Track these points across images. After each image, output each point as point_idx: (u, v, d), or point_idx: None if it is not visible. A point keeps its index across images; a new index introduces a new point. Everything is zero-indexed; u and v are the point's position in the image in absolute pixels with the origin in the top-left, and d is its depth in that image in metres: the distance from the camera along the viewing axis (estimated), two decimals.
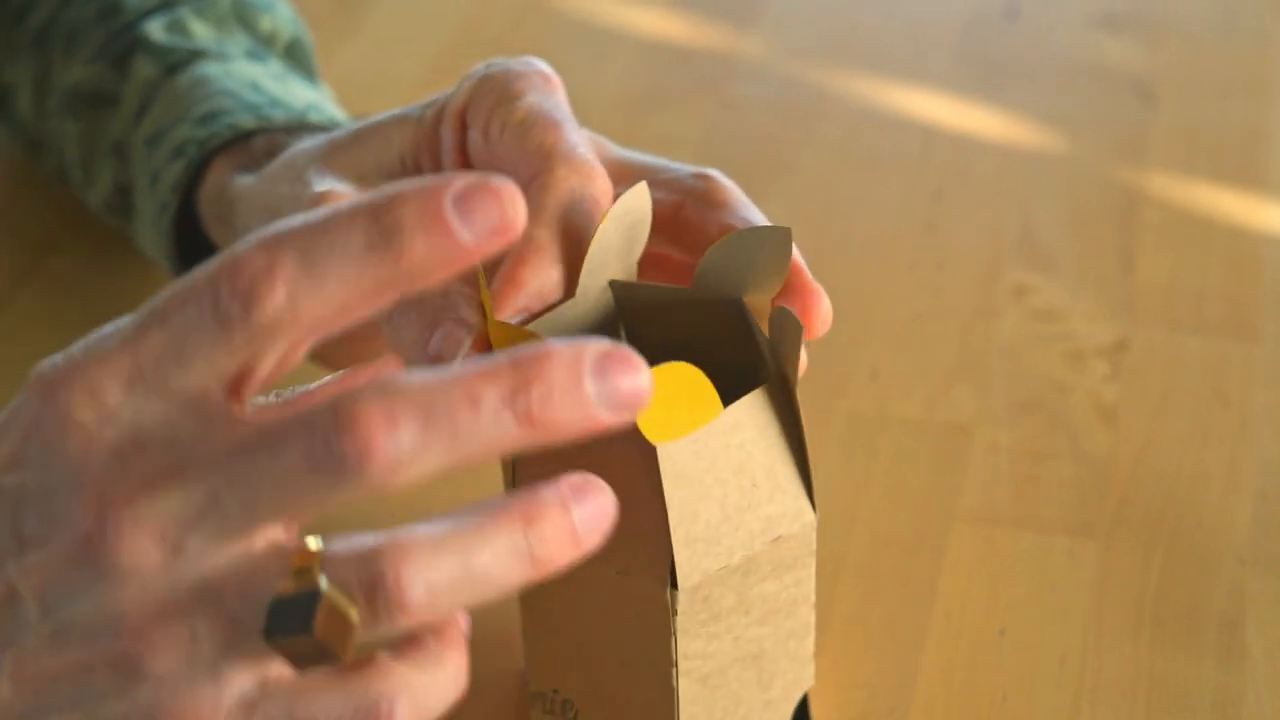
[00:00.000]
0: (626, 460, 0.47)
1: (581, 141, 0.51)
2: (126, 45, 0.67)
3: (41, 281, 0.73)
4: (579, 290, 0.49)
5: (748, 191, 0.77)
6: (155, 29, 0.67)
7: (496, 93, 0.52)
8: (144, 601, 0.38)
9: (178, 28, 0.67)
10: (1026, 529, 0.61)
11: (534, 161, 0.50)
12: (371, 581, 0.37)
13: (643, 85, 0.84)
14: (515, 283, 0.48)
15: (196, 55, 0.66)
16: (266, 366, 0.39)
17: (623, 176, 0.53)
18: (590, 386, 0.37)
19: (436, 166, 0.54)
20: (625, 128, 0.81)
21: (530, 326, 0.48)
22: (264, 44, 0.68)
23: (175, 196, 0.62)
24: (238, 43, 0.68)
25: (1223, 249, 0.74)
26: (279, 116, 0.62)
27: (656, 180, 0.53)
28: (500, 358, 0.37)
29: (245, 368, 0.39)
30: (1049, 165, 0.79)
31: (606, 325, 0.51)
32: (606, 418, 0.37)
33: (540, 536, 0.38)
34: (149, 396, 0.38)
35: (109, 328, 0.40)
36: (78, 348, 0.40)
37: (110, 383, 0.39)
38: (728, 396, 0.49)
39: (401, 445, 0.36)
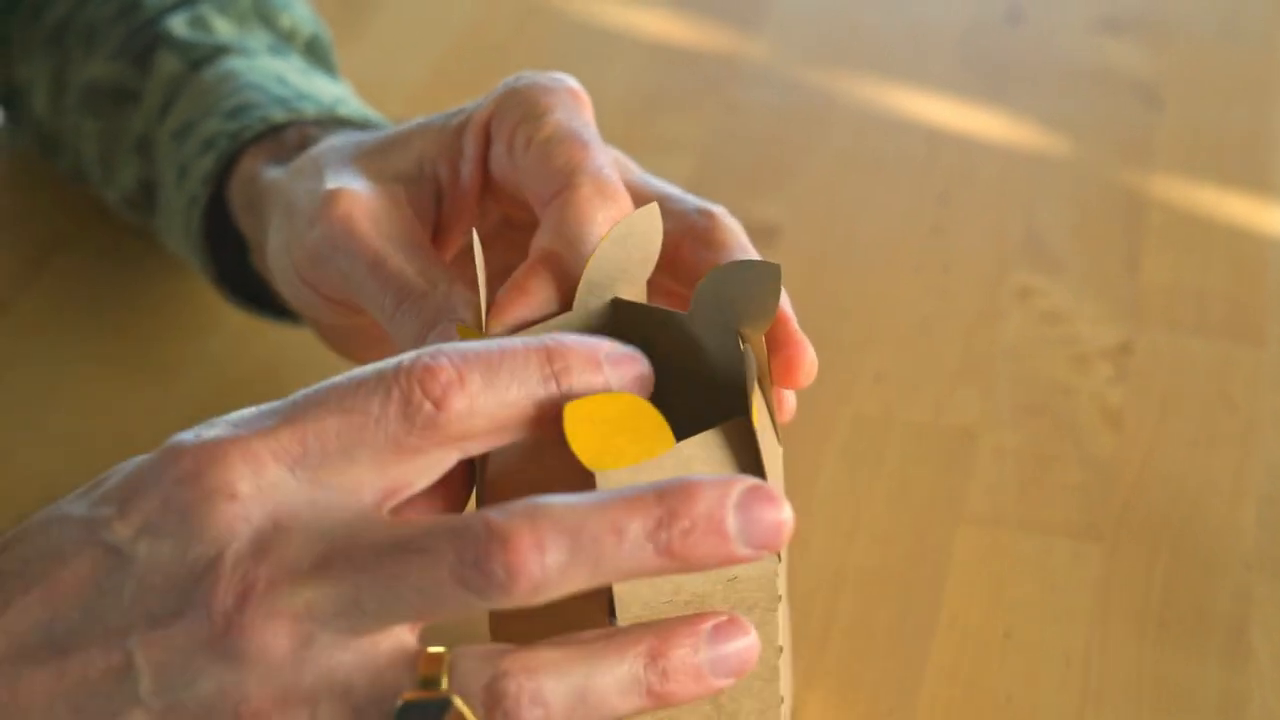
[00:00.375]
0: (570, 484, 0.45)
1: (607, 163, 0.50)
2: (148, 41, 0.67)
3: (48, 280, 0.73)
4: (575, 306, 0.48)
5: (751, 195, 0.78)
6: (177, 24, 0.67)
7: (523, 107, 0.52)
8: (266, 688, 0.38)
9: (200, 24, 0.67)
10: (1031, 531, 0.61)
11: (557, 179, 0.50)
12: (495, 695, 0.38)
13: (646, 88, 0.84)
14: (520, 291, 0.48)
15: (220, 50, 0.66)
16: (421, 482, 0.41)
17: (637, 201, 0.53)
18: (732, 523, 0.39)
19: (454, 176, 0.54)
20: (628, 131, 0.81)
21: (525, 335, 0.48)
22: (284, 40, 0.68)
23: (205, 189, 0.61)
24: (259, 39, 0.68)
25: (1227, 252, 0.74)
26: (309, 110, 0.61)
27: (663, 209, 0.52)
28: (647, 489, 0.38)
29: (402, 479, 0.40)
30: (1053, 168, 0.79)
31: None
32: (745, 554, 0.39)
33: (662, 671, 0.40)
34: (308, 481, 0.39)
35: (260, 408, 0.40)
36: (224, 423, 0.40)
37: (271, 461, 0.39)
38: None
39: (548, 569, 0.37)
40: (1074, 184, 0.78)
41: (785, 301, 0.49)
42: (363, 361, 0.59)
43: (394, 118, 0.78)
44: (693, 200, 0.53)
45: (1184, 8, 0.89)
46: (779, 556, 0.45)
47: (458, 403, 0.39)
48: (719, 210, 0.52)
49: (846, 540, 0.61)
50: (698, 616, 0.41)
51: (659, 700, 0.40)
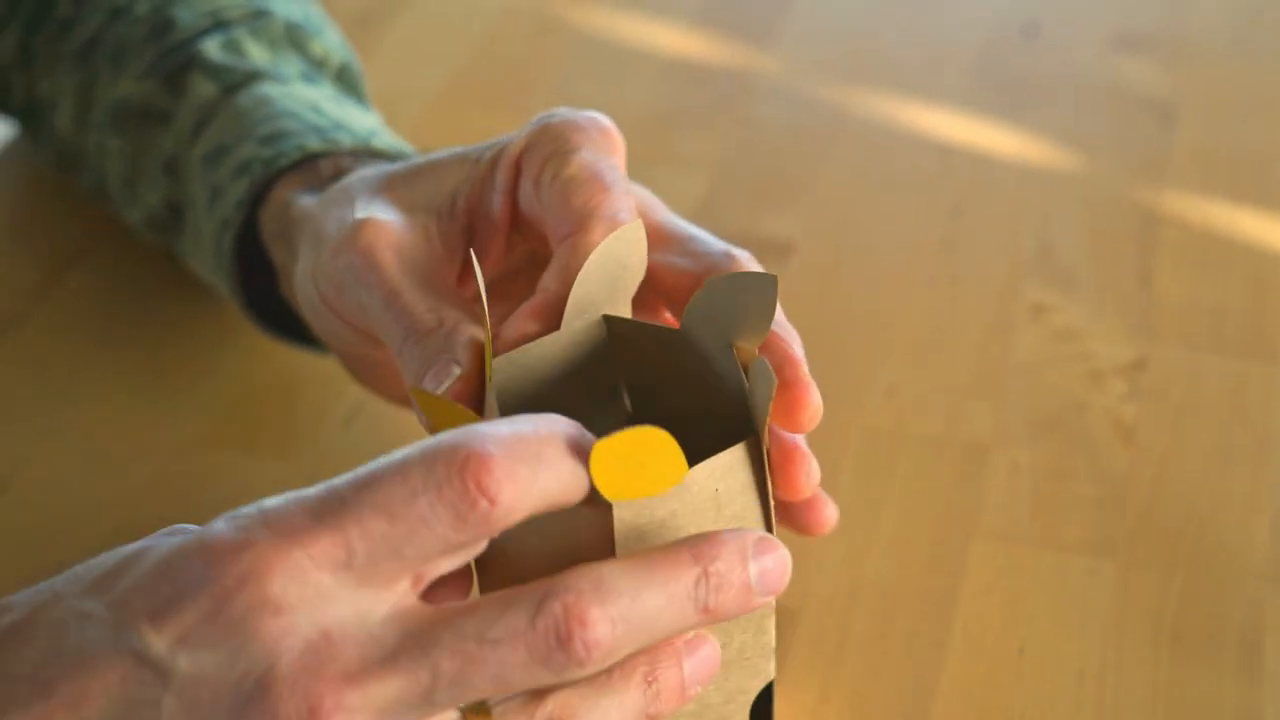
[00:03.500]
0: (589, 529, 0.45)
1: (627, 207, 0.50)
2: (181, 63, 0.67)
3: (64, 294, 0.73)
4: (562, 326, 0.48)
5: (764, 210, 0.78)
6: (212, 48, 0.67)
7: (553, 143, 0.52)
8: None
9: (234, 48, 0.67)
10: (1045, 547, 0.61)
11: (573, 219, 0.50)
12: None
13: (660, 104, 0.84)
14: (520, 333, 0.49)
15: (255, 76, 0.66)
16: (454, 566, 0.41)
17: (661, 241, 0.53)
18: (753, 575, 0.42)
19: (485, 209, 0.54)
20: (642, 146, 0.81)
21: (512, 355, 0.49)
22: (316, 67, 0.69)
23: (239, 213, 0.62)
24: (291, 65, 0.68)
25: (1242, 268, 0.74)
26: (345, 140, 0.62)
27: (686, 249, 0.52)
28: (681, 548, 0.41)
29: (438, 567, 0.40)
30: (1067, 184, 0.79)
31: (596, 360, 0.50)
32: (759, 602, 0.42)
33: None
34: (351, 584, 0.38)
35: (299, 498, 0.39)
36: (260, 520, 0.38)
37: (314, 569, 0.38)
38: (718, 441, 0.48)
39: (618, 639, 0.39)
40: (1088, 200, 0.78)
41: (797, 344, 0.49)
42: (384, 393, 0.60)
43: (409, 132, 0.78)
44: (718, 243, 0.53)
45: (1199, 24, 0.89)
46: None
47: (510, 496, 0.39)
48: (742, 254, 0.52)
49: (860, 554, 0.61)
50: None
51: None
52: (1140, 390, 0.68)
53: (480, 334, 0.49)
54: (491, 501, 0.38)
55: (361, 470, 0.39)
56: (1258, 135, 0.82)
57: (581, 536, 0.44)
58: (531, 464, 0.39)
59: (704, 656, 0.43)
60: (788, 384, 0.48)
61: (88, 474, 0.64)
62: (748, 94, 0.85)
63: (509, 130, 0.81)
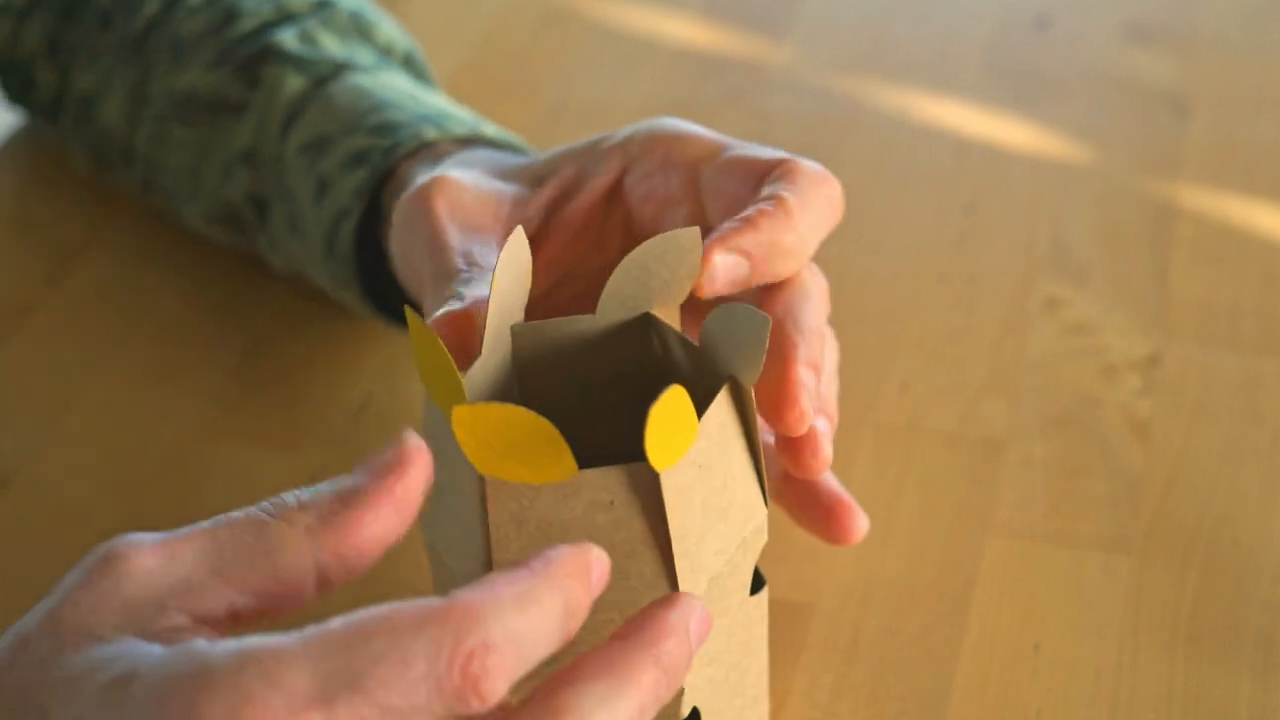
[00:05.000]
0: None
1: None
2: (254, 54, 0.67)
3: (75, 282, 0.73)
4: (486, 348, 0.48)
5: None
6: (288, 39, 0.67)
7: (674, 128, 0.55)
8: None
9: (309, 39, 0.67)
10: (1060, 544, 0.61)
11: (771, 162, 0.53)
12: None
13: (672, 95, 0.84)
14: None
15: (341, 68, 0.66)
16: None
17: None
18: (693, 639, 0.41)
19: (576, 189, 0.55)
20: None
21: (539, 324, 0.49)
22: (383, 56, 0.69)
23: (359, 201, 0.62)
24: (363, 55, 0.68)
25: (1257, 263, 0.73)
26: (458, 129, 0.62)
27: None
28: (644, 633, 0.40)
29: None
30: (1081, 178, 0.78)
31: (506, 375, 0.50)
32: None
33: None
34: None
35: (290, 651, 0.36)
36: (254, 669, 0.35)
37: None
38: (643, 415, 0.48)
39: None
40: (1101, 194, 0.77)
41: (810, 350, 0.49)
42: None
43: None
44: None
45: (1213, 17, 0.89)
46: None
47: (504, 681, 0.37)
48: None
49: (874, 550, 0.60)
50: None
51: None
52: (1155, 386, 0.67)
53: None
54: (486, 698, 0.37)
55: (360, 633, 0.36)
56: (1272, 129, 0.81)
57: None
58: (526, 641, 0.38)
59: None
60: (778, 387, 0.48)
61: (94, 465, 0.64)
62: (760, 87, 0.85)
63: (518, 121, 0.81)
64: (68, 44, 0.73)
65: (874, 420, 0.66)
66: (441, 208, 0.53)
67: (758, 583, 0.50)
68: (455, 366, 0.44)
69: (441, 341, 0.44)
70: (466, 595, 0.37)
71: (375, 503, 0.39)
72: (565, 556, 0.39)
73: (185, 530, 0.39)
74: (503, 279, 0.47)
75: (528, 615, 0.37)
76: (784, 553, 0.59)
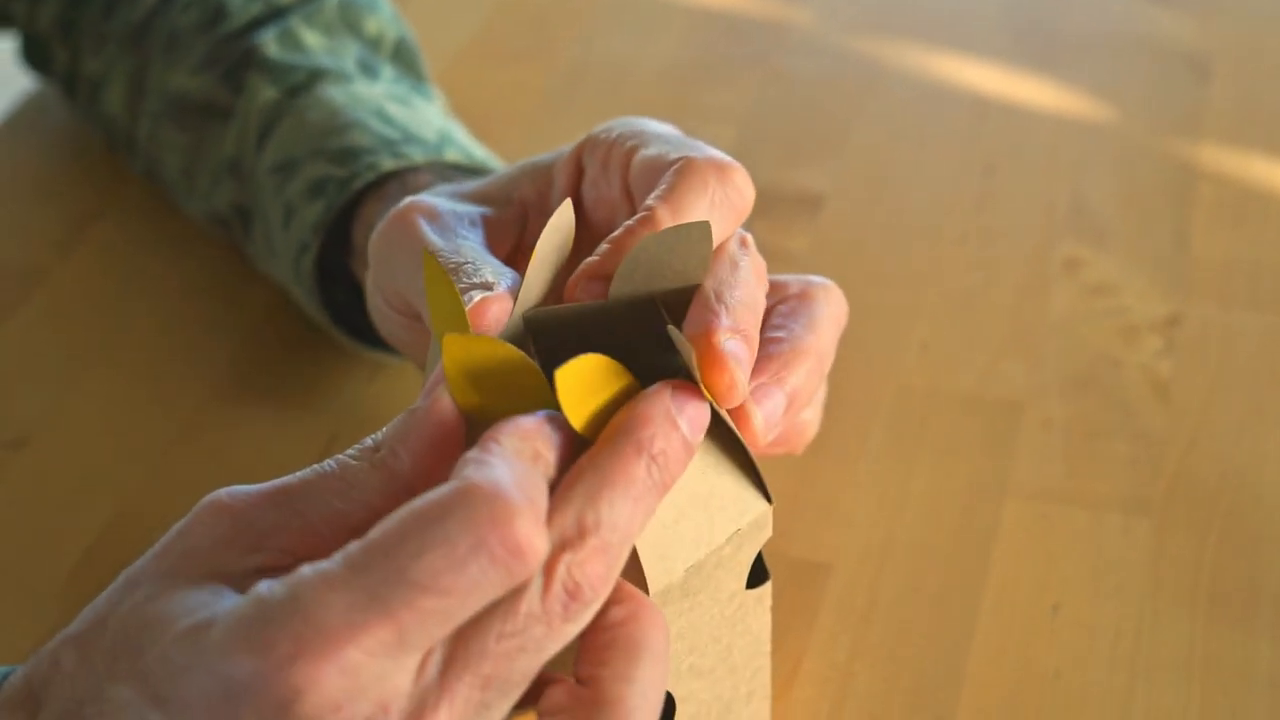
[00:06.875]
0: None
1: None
2: (238, 58, 0.67)
3: (87, 249, 0.73)
4: (511, 323, 0.47)
5: (795, 164, 0.77)
6: (269, 43, 0.67)
7: (620, 128, 0.54)
8: None
9: (290, 40, 0.67)
10: (1080, 505, 0.60)
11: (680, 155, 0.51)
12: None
13: (691, 56, 0.84)
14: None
15: (315, 75, 0.66)
16: None
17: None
18: (684, 429, 0.42)
19: (541, 203, 0.55)
20: (673, 99, 0.80)
21: (555, 308, 0.48)
22: (372, 48, 0.68)
23: (316, 237, 0.62)
24: (349, 50, 0.68)
25: (1277, 224, 0.73)
26: (417, 155, 0.62)
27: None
28: (625, 446, 0.41)
29: None
30: (1101, 139, 0.78)
31: (643, 334, 0.49)
32: (694, 446, 0.42)
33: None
34: (407, 654, 0.38)
35: (323, 582, 0.37)
36: (299, 618, 0.37)
37: (368, 657, 0.37)
38: None
39: (611, 567, 0.40)
40: (1122, 155, 0.77)
41: (730, 315, 0.48)
42: None
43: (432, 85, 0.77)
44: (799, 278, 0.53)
45: None
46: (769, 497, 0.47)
47: (543, 538, 0.39)
48: (821, 281, 0.53)
49: (892, 511, 0.60)
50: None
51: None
52: (1175, 346, 0.67)
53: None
54: (532, 554, 0.38)
55: (395, 535, 0.38)
56: None
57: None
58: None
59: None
60: (702, 357, 0.47)
61: (111, 428, 0.64)
62: (778, 47, 0.84)
63: (536, 84, 0.80)
64: (77, 26, 0.73)
65: (893, 382, 0.65)
66: (423, 222, 0.53)
67: (760, 577, 0.49)
68: (464, 308, 0.44)
69: (454, 284, 0.44)
70: (475, 473, 0.38)
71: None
72: (528, 425, 0.41)
73: (274, 482, 0.41)
74: (544, 245, 0.47)
75: (534, 472, 0.39)
76: (800, 513, 0.59)
